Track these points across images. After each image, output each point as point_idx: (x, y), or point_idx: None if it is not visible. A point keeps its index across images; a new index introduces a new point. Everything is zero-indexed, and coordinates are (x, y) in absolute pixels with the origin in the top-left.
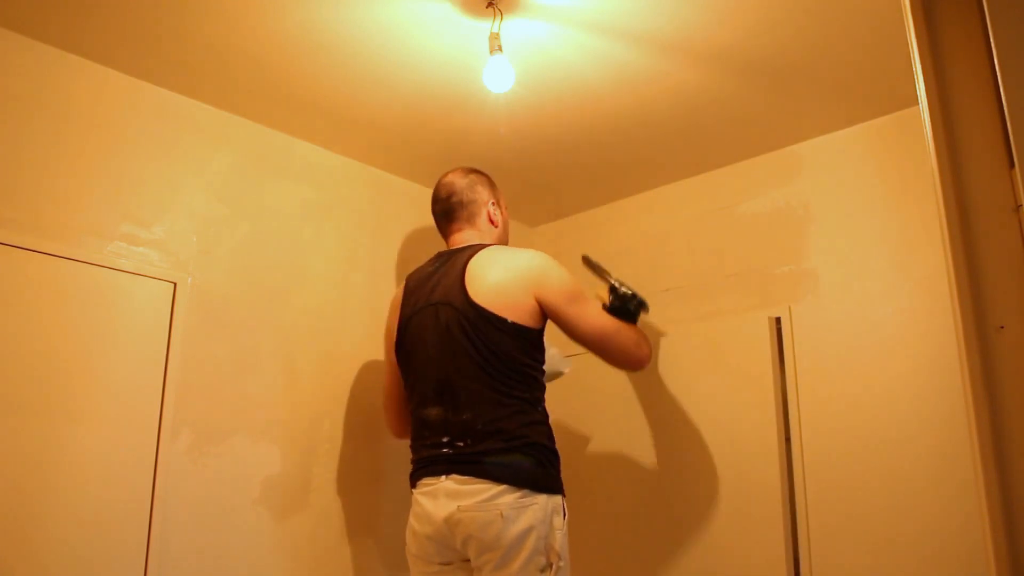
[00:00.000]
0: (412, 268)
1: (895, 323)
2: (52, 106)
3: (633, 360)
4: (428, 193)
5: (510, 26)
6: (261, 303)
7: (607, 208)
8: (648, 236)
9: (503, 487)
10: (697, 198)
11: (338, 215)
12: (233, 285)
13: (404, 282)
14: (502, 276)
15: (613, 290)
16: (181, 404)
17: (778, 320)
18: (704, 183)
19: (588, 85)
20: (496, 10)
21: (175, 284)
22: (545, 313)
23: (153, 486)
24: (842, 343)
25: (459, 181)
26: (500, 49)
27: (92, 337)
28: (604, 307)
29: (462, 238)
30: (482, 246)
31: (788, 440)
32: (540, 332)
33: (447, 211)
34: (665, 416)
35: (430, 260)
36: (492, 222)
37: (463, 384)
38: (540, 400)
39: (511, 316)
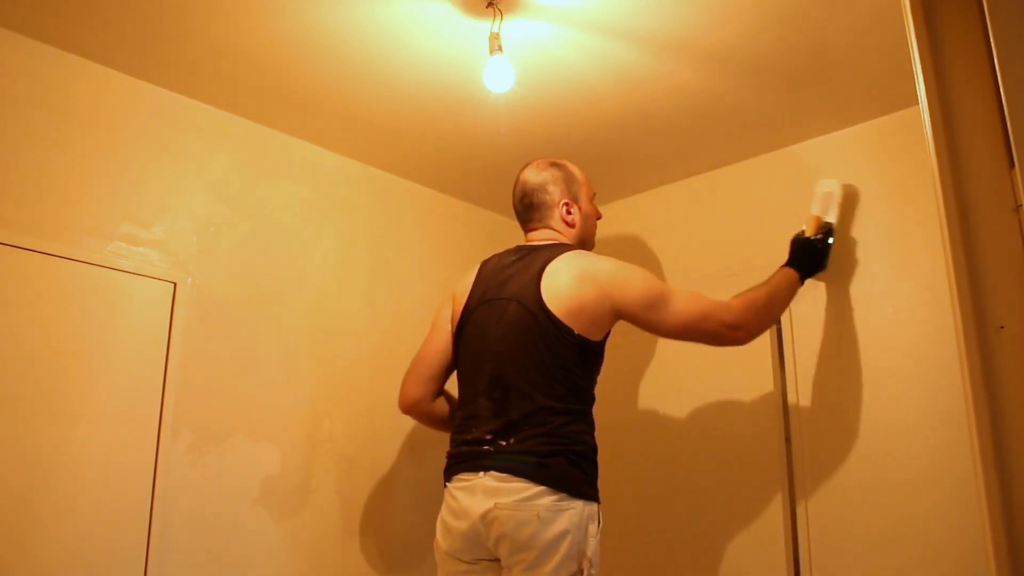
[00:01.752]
0: (413, 268)
1: (895, 323)
2: (52, 106)
3: (724, 342)
4: (428, 193)
5: (510, 26)
6: (261, 303)
7: (607, 208)
8: (648, 236)
9: (542, 488)
10: (697, 198)
11: (338, 215)
12: (233, 285)
13: (478, 266)
14: (579, 287)
15: (828, 232)
16: (181, 404)
17: (778, 320)
18: (704, 183)
19: (588, 85)
20: (496, 10)
21: (175, 284)
22: (619, 319)
23: (153, 486)
24: (842, 343)
25: (532, 180)
26: (500, 49)
27: (92, 337)
28: (800, 233)
29: (539, 236)
30: (562, 248)
31: (788, 440)
32: (602, 343)
33: (522, 212)
34: (665, 416)
35: (509, 251)
36: (567, 223)
37: (517, 383)
38: (589, 412)
39: (578, 328)
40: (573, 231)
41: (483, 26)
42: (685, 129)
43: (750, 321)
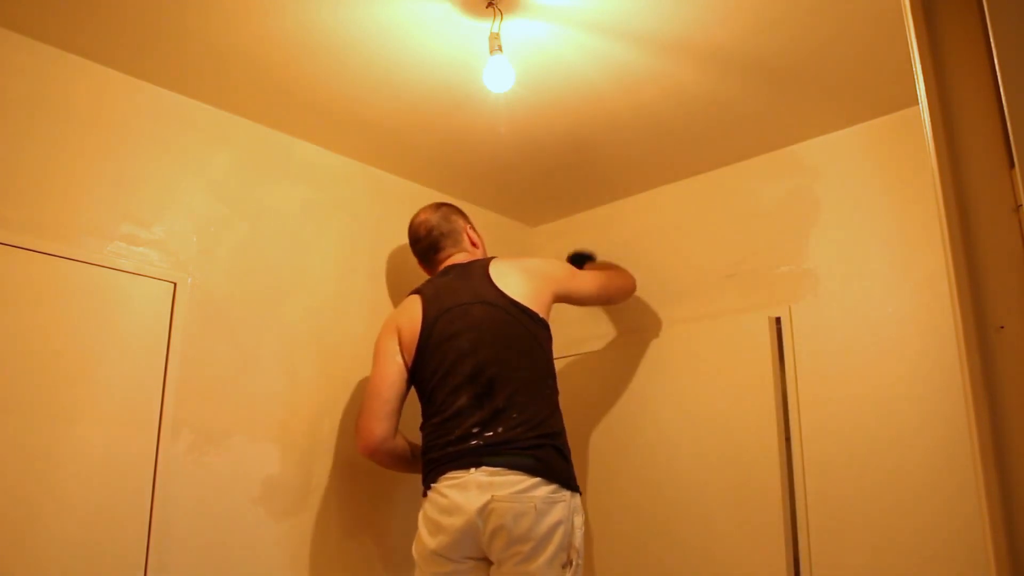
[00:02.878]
0: (413, 268)
1: (895, 323)
2: (52, 106)
3: (628, 291)
4: (428, 193)
5: (510, 26)
6: (261, 303)
7: (607, 208)
8: (648, 236)
9: (537, 480)
10: (697, 198)
11: (338, 215)
12: (233, 285)
13: (417, 293)
14: (525, 278)
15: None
16: (181, 404)
17: (778, 320)
18: (704, 183)
19: (588, 85)
20: (496, 10)
21: (175, 284)
22: (556, 300)
23: (153, 486)
24: (842, 343)
25: (432, 217)
26: (500, 49)
27: (92, 337)
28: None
29: (454, 260)
30: (486, 259)
31: (788, 440)
32: None
33: (432, 244)
34: (665, 416)
35: (437, 274)
36: (473, 243)
37: (499, 372)
38: (558, 393)
39: (541, 312)
40: (479, 251)
41: (483, 26)
42: (685, 129)
43: (629, 276)
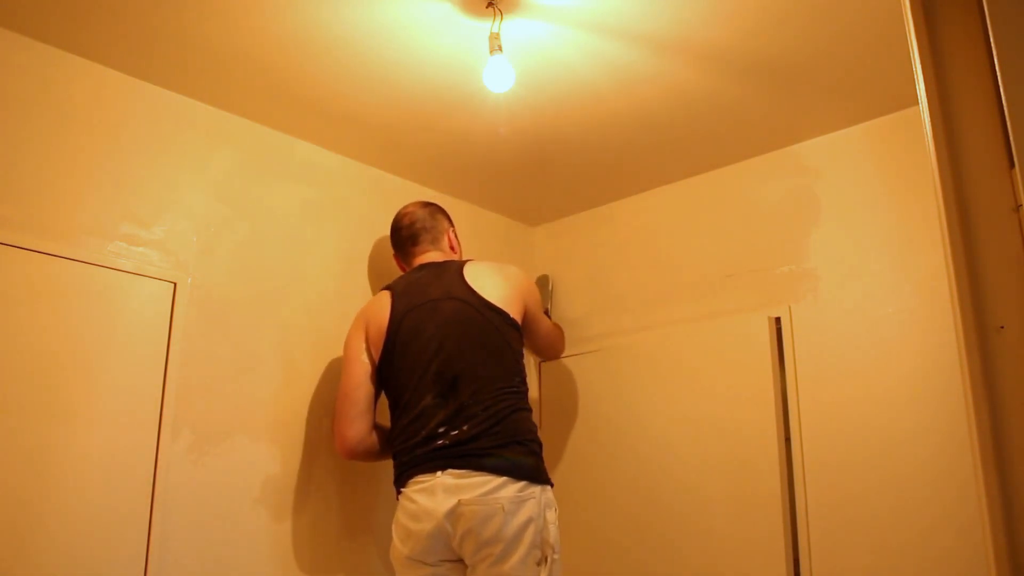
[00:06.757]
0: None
1: (895, 323)
2: (52, 106)
3: (559, 352)
4: (428, 193)
5: (510, 26)
6: (261, 303)
7: (607, 208)
8: (648, 236)
9: (503, 479)
10: (697, 198)
11: (338, 215)
12: (233, 285)
13: (388, 289)
14: (501, 281)
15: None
16: (181, 404)
17: (778, 320)
18: (704, 183)
19: (588, 85)
20: (496, 10)
21: (175, 284)
22: (522, 315)
23: (153, 486)
24: (842, 343)
25: (419, 211)
26: (500, 49)
27: (92, 337)
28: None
29: (429, 258)
30: (462, 261)
31: (788, 440)
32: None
33: (412, 235)
34: (664, 416)
35: (412, 270)
36: (452, 247)
37: (465, 369)
38: (528, 392)
39: (512, 313)
40: (455, 256)
41: (483, 26)
42: (685, 129)
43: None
